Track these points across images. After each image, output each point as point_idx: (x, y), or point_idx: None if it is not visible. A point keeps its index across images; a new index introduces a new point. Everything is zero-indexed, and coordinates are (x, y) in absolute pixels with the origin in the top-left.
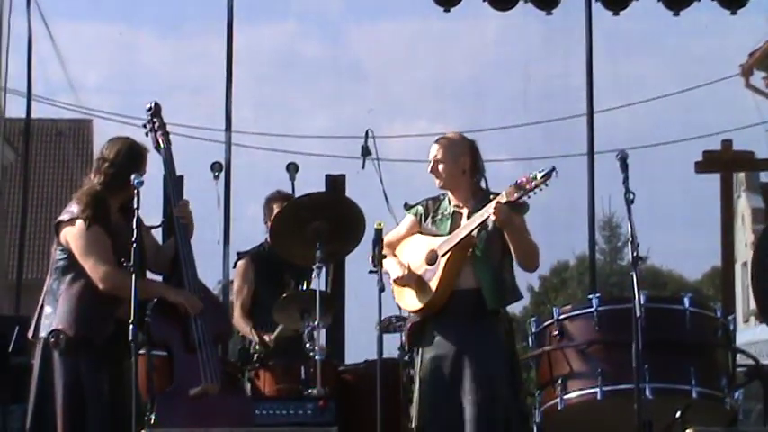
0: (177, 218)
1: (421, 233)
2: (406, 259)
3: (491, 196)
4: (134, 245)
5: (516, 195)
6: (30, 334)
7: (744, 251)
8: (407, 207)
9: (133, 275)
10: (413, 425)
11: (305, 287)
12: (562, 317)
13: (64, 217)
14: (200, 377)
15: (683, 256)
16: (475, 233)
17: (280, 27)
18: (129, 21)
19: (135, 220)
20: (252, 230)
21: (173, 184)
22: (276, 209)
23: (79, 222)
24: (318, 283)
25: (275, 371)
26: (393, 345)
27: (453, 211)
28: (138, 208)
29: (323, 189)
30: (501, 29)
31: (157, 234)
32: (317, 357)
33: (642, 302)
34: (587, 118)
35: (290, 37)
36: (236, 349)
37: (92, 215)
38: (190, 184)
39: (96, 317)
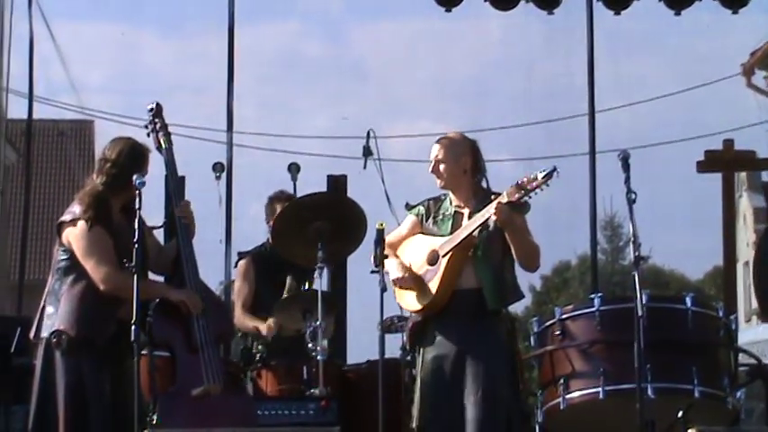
0: (179, 218)
1: (422, 233)
2: (407, 259)
3: (492, 196)
4: (136, 245)
5: (517, 195)
6: (31, 334)
7: (745, 251)
8: (409, 207)
9: (135, 276)
10: (414, 425)
11: (306, 287)
12: (564, 317)
13: (66, 217)
14: (202, 377)
15: (684, 255)
16: (476, 233)
17: (281, 27)
18: (131, 21)
19: (137, 220)
20: (253, 230)
21: (174, 185)
22: (279, 209)
23: (81, 223)
24: (320, 283)
25: (277, 371)
26: (395, 345)
27: (454, 211)
28: (139, 208)
29: (324, 189)
30: (502, 29)
31: (159, 234)
32: (319, 357)
33: (644, 302)
34: (589, 118)
35: (292, 37)
36: (239, 349)
37: (94, 216)
38: (191, 184)
39: (98, 317)
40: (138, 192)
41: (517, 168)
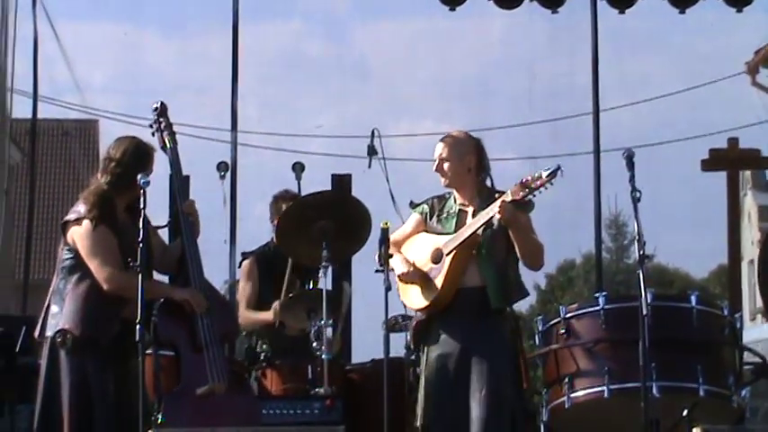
0: (184, 217)
1: (426, 231)
2: (411, 257)
3: (496, 195)
4: (140, 245)
5: (521, 194)
6: (36, 334)
7: (750, 249)
8: (413, 205)
9: (140, 275)
10: (418, 423)
11: (311, 286)
12: (569, 315)
13: (71, 216)
14: (206, 377)
15: (689, 254)
16: (480, 231)
17: (285, 26)
18: (135, 21)
19: (141, 219)
20: (258, 230)
21: (179, 184)
22: (284, 208)
23: (86, 222)
24: (325, 282)
25: (282, 370)
26: (399, 344)
27: (459, 209)
28: (144, 208)
29: (329, 188)
30: (506, 27)
31: (164, 234)
32: (323, 357)
33: (649, 301)
34: (593, 116)
35: (296, 36)
36: (243, 349)
37: (98, 215)
38: (196, 183)
39: (102, 317)
40: (142, 191)
41: (521, 167)
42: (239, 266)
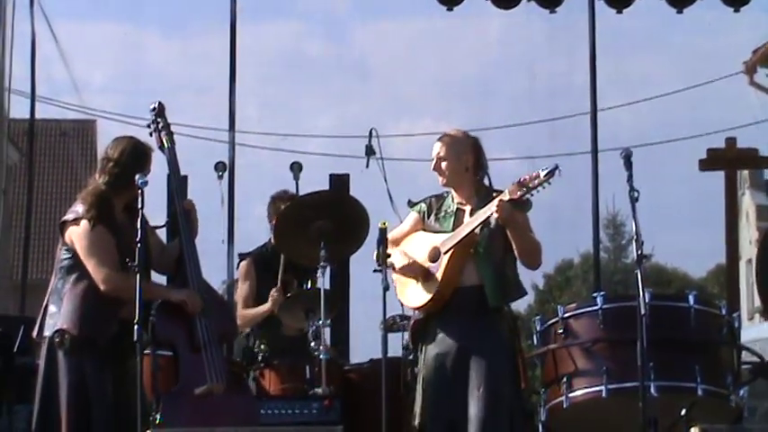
0: (182, 217)
1: (424, 230)
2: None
3: (494, 194)
4: (138, 245)
5: (519, 193)
6: (34, 334)
7: (748, 248)
8: (411, 204)
9: (137, 275)
10: (416, 422)
11: (309, 286)
12: (567, 315)
13: (69, 217)
14: (205, 377)
15: (687, 253)
16: (477, 230)
17: (284, 26)
18: (134, 21)
19: (139, 219)
20: (256, 230)
21: (177, 184)
22: (282, 208)
23: (84, 222)
24: (323, 282)
25: (280, 370)
26: (398, 344)
27: (456, 208)
28: (142, 208)
29: (327, 188)
30: (504, 27)
31: (161, 234)
32: (321, 357)
33: (647, 300)
34: (591, 116)
35: (295, 36)
36: (241, 349)
37: (96, 215)
38: (194, 183)
39: (100, 317)
40: (140, 191)
41: (519, 167)
42: (237, 267)
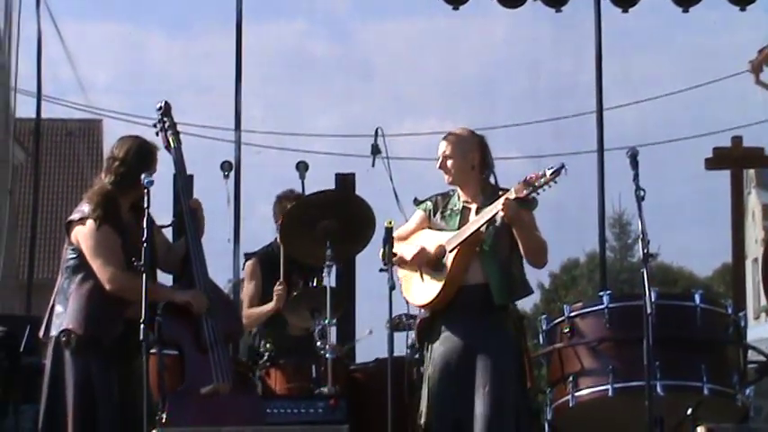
0: (188, 217)
1: (430, 228)
2: None
3: (500, 192)
4: (145, 244)
5: (525, 192)
6: (41, 333)
7: (754, 247)
8: (417, 202)
9: (143, 275)
10: (422, 421)
11: (314, 285)
12: (573, 314)
13: (75, 216)
14: (211, 376)
15: (693, 252)
16: (483, 229)
17: (288, 26)
18: (139, 21)
19: (145, 219)
20: (262, 229)
21: (183, 184)
22: (288, 207)
23: (90, 222)
24: (329, 281)
25: (286, 370)
26: (404, 343)
27: (462, 206)
28: (148, 207)
29: (333, 187)
30: (510, 27)
31: (167, 233)
32: (327, 356)
33: (653, 299)
34: (597, 115)
35: (299, 36)
36: (247, 348)
37: (102, 215)
38: (200, 183)
39: (106, 317)
40: (146, 190)
41: (525, 166)
42: (243, 267)
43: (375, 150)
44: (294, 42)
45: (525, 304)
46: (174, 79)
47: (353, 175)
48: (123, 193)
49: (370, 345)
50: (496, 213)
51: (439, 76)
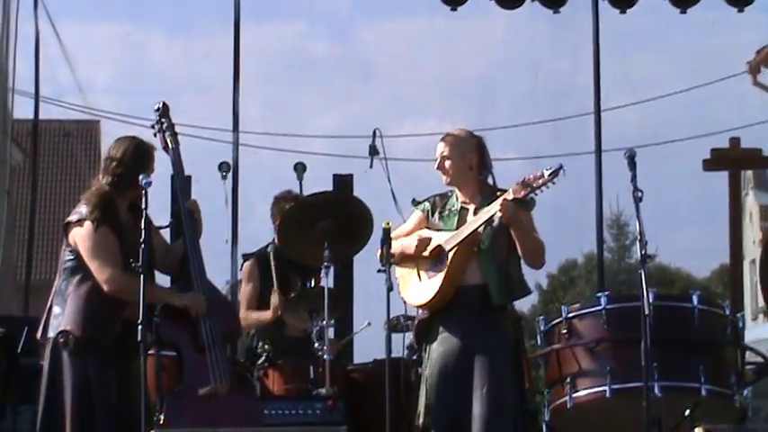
0: (186, 217)
1: (428, 228)
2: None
3: (498, 193)
4: (142, 245)
5: (523, 192)
6: (39, 335)
7: (752, 248)
8: (415, 203)
9: (141, 276)
10: (419, 421)
11: (312, 285)
12: (570, 315)
13: (72, 218)
14: (209, 377)
15: (691, 253)
16: (481, 229)
17: (287, 27)
18: (138, 21)
19: (143, 220)
20: (260, 230)
21: (181, 184)
22: (286, 208)
23: (87, 224)
24: (327, 282)
25: (284, 370)
26: (402, 344)
27: (460, 207)
28: (146, 208)
29: (331, 189)
30: (508, 27)
31: (165, 234)
32: (325, 357)
33: (651, 300)
34: (595, 116)
35: (298, 36)
36: (245, 349)
37: (100, 216)
38: (197, 184)
39: (104, 318)
40: (144, 191)
41: (523, 167)
42: (241, 268)
43: (373, 151)
44: (293, 43)
45: (523, 305)
46: (173, 80)
47: (351, 176)
48: (121, 194)
49: (368, 346)
50: (494, 214)
51: (438, 76)
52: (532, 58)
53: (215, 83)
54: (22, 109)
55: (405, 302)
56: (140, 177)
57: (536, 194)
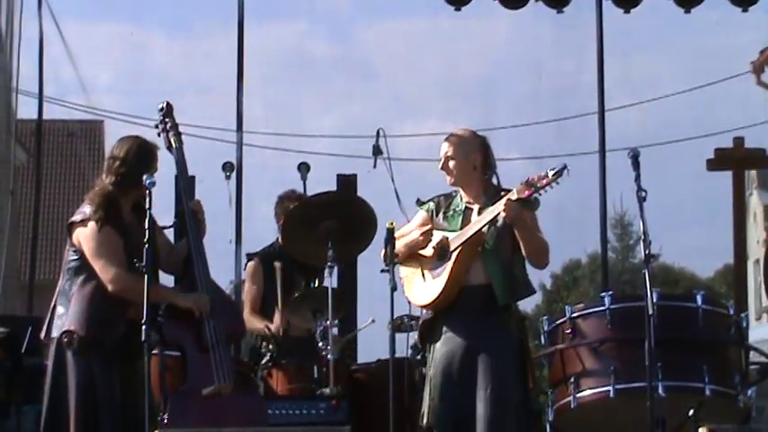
0: (190, 217)
1: (433, 228)
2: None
3: (502, 193)
4: (146, 245)
5: (527, 192)
6: (42, 335)
7: (756, 248)
8: (420, 203)
9: (146, 276)
10: (423, 421)
11: (316, 285)
12: (574, 315)
13: (76, 218)
14: (212, 377)
15: (694, 253)
16: (485, 229)
17: (290, 26)
18: (140, 21)
19: (148, 220)
20: (264, 230)
21: (184, 184)
22: (290, 208)
23: (91, 224)
24: (330, 282)
25: (288, 370)
26: (405, 344)
27: (465, 207)
28: (150, 208)
29: (334, 188)
30: (512, 27)
31: (169, 234)
32: (329, 357)
33: (655, 300)
34: (599, 116)
35: (301, 36)
36: (249, 349)
37: (104, 216)
38: (201, 184)
39: (108, 318)
40: (148, 191)
41: (527, 167)
42: (244, 268)
43: (376, 151)
44: (295, 42)
45: (527, 305)
46: (176, 80)
47: (355, 175)
48: (124, 194)
49: (372, 345)
50: (498, 214)
51: (440, 76)
52: (536, 57)
53: (217, 83)
54: (25, 109)
55: (409, 302)
56: (144, 177)
57: (540, 194)
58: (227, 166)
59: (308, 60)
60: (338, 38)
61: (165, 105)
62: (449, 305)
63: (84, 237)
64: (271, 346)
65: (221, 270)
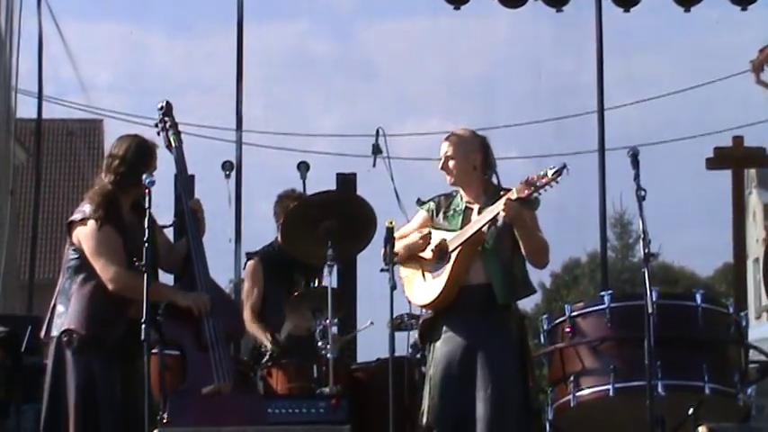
0: (189, 216)
1: (433, 228)
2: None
3: (502, 192)
4: (146, 244)
5: (527, 192)
6: (42, 334)
7: (755, 247)
8: (420, 203)
9: (145, 275)
10: (423, 420)
11: (315, 285)
12: (574, 314)
13: (76, 217)
14: (212, 376)
15: (694, 252)
16: (485, 229)
17: (290, 26)
18: (140, 20)
19: (147, 219)
20: (263, 229)
21: (184, 183)
22: (290, 207)
23: (91, 222)
24: (330, 281)
25: (287, 369)
26: (405, 343)
27: (465, 207)
28: (149, 207)
29: (334, 188)
30: (511, 26)
31: (168, 233)
32: (329, 356)
33: (654, 299)
34: (598, 115)
35: (301, 36)
36: (249, 348)
37: (103, 215)
38: (201, 183)
39: (107, 317)
40: (148, 190)
41: (527, 166)
42: (244, 267)
43: (376, 150)
44: (295, 42)
45: (526, 304)
46: (176, 79)
47: (355, 175)
48: (124, 193)
49: (372, 344)
50: (498, 213)
51: (441, 75)
52: (535, 56)
53: (217, 82)
54: (25, 108)
55: (409, 302)
56: (144, 176)
57: (540, 194)
58: (226, 165)
59: (309, 60)
60: (339, 37)
61: (164, 104)
62: (449, 305)
63: (84, 235)
64: (271, 346)
65: (221, 269)
